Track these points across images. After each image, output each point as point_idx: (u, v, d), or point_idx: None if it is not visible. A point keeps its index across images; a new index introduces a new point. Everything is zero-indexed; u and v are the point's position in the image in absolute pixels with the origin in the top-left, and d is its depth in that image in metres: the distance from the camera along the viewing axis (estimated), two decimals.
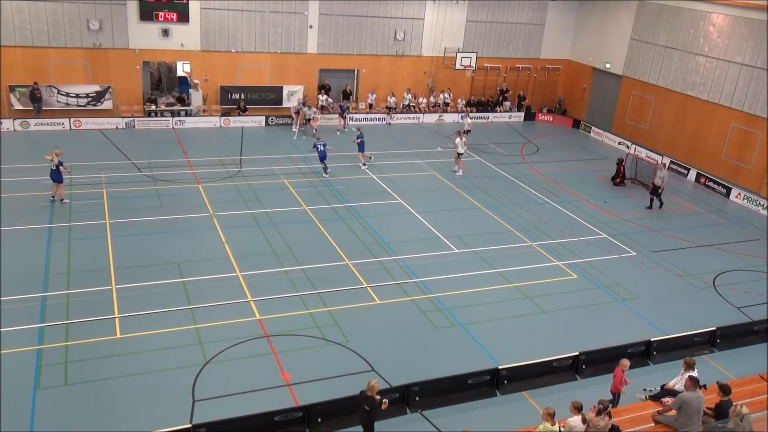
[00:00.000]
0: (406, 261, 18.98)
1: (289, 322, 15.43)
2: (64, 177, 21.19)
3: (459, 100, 37.53)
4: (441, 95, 37.02)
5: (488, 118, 37.59)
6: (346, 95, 35.23)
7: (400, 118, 35.28)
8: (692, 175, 29.69)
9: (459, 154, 27.20)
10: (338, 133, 31.81)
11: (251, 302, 16.17)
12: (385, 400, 11.39)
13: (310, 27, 33.38)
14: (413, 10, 35.04)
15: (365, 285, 17.46)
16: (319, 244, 19.73)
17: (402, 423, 12.55)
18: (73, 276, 16.74)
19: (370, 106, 35.35)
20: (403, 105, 36.13)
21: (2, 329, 14.17)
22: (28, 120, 28.90)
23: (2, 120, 28.54)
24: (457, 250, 20.00)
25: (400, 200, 23.77)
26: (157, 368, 13.45)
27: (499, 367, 13.70)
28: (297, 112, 31.55)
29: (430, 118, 36.14)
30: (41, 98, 29.22)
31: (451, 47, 36.20)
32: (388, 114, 34.63)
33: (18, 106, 29.09)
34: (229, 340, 14.55)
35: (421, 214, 22.53)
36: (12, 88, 28.86)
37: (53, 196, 21.22)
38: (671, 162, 30.65)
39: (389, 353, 14.60)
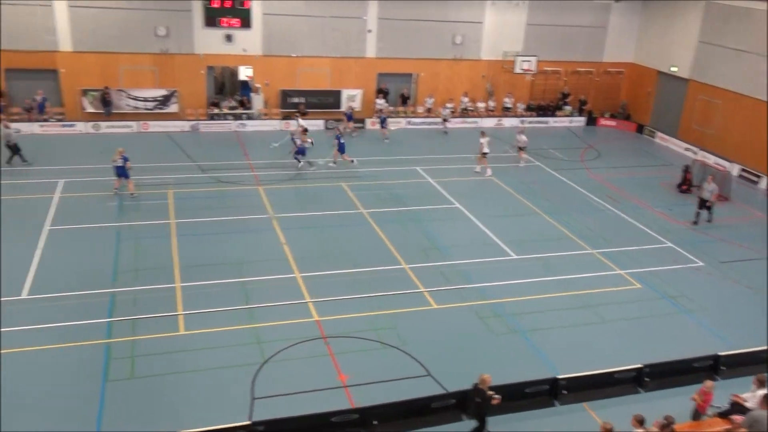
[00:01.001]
0: (463, 266, 18.87)
1: (347, 324, 15.56)
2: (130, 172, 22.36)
3: (517, 105, 37.13)
4: (505, 99, 36.67)
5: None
6: (404, 99, 35.34)
7: (457, 123, 35.09)
8: (764, 182, 28.48)
9: (484, 154, 27.21)
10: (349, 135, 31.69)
11: (309, 303, 16.38)
12: (497, 396, 11.57)
13: (369, 31, 33.63)
14: (472, 14, 34.85)
15: (422, 289, 17.45)
16: (376, 248, 19.83)
17: (458, 429, 12.47)
18: (140, 273, 17.33)
19: (429, 110, 35.31)
20: (461, 109, 35.97)
21: (76, 322, 14.79)
22: (99, 123, 30.10)
23: (76, 122, 29.83)
24: (515, 256, 19.77)
25: (458, 205, 23.65)
26: (218, 365, 13.78)
27: (559, 377, 13.45)
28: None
29: (489, 123, 35.84)
30: (111, 102, 30.40)
31: (511, 51, 35.83)
32: (443, 124, 34.37)
33: (90, 109, 30.36)
34: (287, 340, 14.77)
35: (479, 219, 22.36)
36: (85, 92, 30.15)
37: (116, 189, 22.36)
38: (741, 169, 29.49)
39: (446, 358, 14.53)
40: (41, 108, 29.71)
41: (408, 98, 35.60)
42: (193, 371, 13.54)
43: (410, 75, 35.83)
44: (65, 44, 29.61)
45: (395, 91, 35.41)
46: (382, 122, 32.26)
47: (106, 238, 19.23)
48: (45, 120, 29.57)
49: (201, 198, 22.82)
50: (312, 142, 27.79)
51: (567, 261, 19.63)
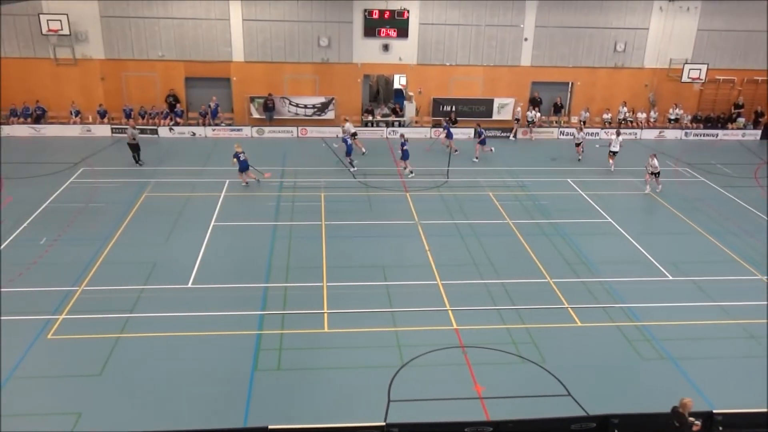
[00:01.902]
0: (612, 284, 17.96)
1: (485, 335, 15.40)
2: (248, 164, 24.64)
3: (639, 113, 34.67)
4: (669, 110, 34.45)
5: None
6: (557, 109, 34.34)
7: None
8: None
9: (613, 153, 27.60)
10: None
11: (449, 311, 16.41)
12: (697, 422, 11.19)
13: (525, 39, 33.10)
14: (637, 20, 33.13)
15: (566, 305, 16.84)
16: (520, 259, 19.44)
17: None
18: (291, 270, 18.33)
19: (583, 122, 33.91)
20: (619, 119, 34.27)
21: (233, 313, 15.98)
22: (263, 128, 32.27)
23: (243, 127, 32.23)
24: (671, 277, 18.47)
25: (610, 219, 22.55)
26: (358, 365, 14.21)
27: (714, 411, 12.36)
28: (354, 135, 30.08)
29: (650, 134, 33.83)
30: (274, 108, 32.51)
31: (678, 58, 33.62)
32: (579, 130, 32.90)
33: (256, 115, 32.68)
34: (425, 345, 14.90)
35: (633, 236, 21.16)
36: (252, 99, 32.50)
37: (246, 182, 24.61)
38: None
39: (588, 379, 13.91)
40: (214, 113, 32.45)
41: (562, 107, 34.55)
42: (334, 368, 14.08)
43: (566, 84, 34.76)
44: (238, 55, 32.15)
45: (548, 100, 34.51)
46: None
47: (262, 235, 20.56)
48: (216, 124, 32.25)
49: (351, 202, 23.69)
50: (364, 151, 28.66)
51: (730, 286, 18.00)
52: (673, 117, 34.52)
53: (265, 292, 17.10)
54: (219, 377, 13.64)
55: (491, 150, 28.82)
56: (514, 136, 32.52)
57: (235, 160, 24.34)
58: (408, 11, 32.01)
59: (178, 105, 32.44)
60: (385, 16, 31.97)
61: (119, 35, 31.34)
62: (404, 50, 32.83)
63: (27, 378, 13.38)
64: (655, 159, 24.92)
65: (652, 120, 34.69)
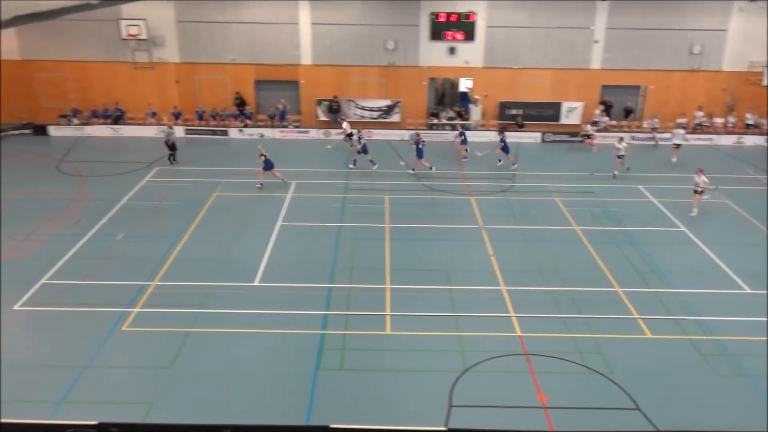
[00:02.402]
0: (685, 295, 17.31)
1: (550, 343, 15.12)
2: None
3: (677, 124, 33.10)
4: (747, 115, 33.01)
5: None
6: (628, 113, 33.41)
7: (690, 139, 32.24)
8: None
9: (619, 156, 26.84)
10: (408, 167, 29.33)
11: (513, 318, 16.20)
12: None
13: (596, 42, 32.35)
14: (715, 21, 31.90)
15: (636, 315, 16.34)
16: (587, 267, 19.00)
17: None
18: (355, 272, 18.49)
19: (654, 129, 32.72)
20: (695, 125, 33.02)
21: (297, 311, 16.24)
22: (329, 130, 32.70)
23: (310, 129, 32.76)
24: (749, 290, 17.65)
25: (683, 228, 21.76)
26: (420, 368, 14.20)
27: None
28: (349, 135, 30.16)
29: (727, 140, 32.46)
30: (338, 110, 32.92)
31: (759, 61, 32.14)
32: (653, 136, 31.84)
33: (323, 117, 33.17)
34: (488, 351, 14.75)
35: (709, 246, 20.34)
36: (319, 102, 33.00)
37: (261, 184, 24.91)
38: None
39: (657, 393, 13.45)
40: (282, 115, 33.11)
41: (632, 112, 33.58)
42: (396, 371, 14.11)
43: (637, 87, 33.78)
44: (306, 58, 32.72)
45: (619, 104, 33.61)
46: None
47: (327, 236, 20.82)
48: (284, 126, 32.89)
49: (415, 205, 23.71)
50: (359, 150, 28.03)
51: None
52: (752, 122, 32.98)
53: (328, 293, 17.32)
54: (283, 374, 13.89)
55: (431, 168, 27.32)
56: (587, 136, 31.20)
57: (262, 159, 24.78)
58: (475, 14, 31.82)
59: (247, 107, 33.26)
60: (452, 19, 31.88)
61: (193, 39, 32.40)
62: (470, 53, 32.65)
63: (103, 367, 13.99)
64: (702, 175, 22.89)
65: (729, 125, 33.27)
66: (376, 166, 27.36)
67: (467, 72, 33.51)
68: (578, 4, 31.76)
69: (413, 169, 27.19)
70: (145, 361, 14.26)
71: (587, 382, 13.81)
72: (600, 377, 13.94)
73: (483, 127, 33.46)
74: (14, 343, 15.10)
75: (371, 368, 14.19)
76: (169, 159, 27.99)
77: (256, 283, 17.74)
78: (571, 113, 33.12)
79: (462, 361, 14.42)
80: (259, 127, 32.95)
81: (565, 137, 32.26)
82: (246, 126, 32.63)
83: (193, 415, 12.29)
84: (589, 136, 28.71)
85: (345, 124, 30.33)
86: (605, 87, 33.34)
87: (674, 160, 28.83)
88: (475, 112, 33.53)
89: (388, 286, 17.68)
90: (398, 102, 33.22)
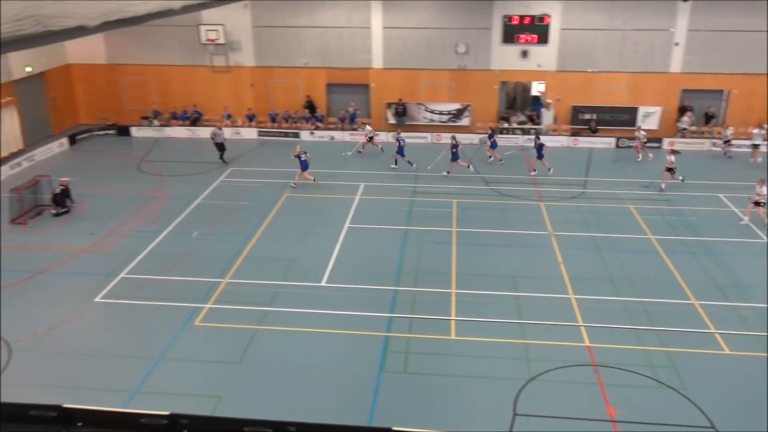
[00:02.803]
0: None
1: (620, 355, 14.67)
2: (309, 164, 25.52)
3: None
4: None
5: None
6: (709, 119, 32.01)
7: None
8: None
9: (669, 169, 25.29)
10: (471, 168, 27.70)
11: (581, 327, 15.80)
12: None
13: (676, 44, 31.18)
14: None
15: (713, 330, 15.64)
16: (662, 278, 18.33)
17: None
18: (421, 275, 18.50)
19: (726, 141, 30.88)
20: None
21: (362, 313, 16.38)
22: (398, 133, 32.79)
23: (380, 132, 32.96)
24: None
25: (767, 239, 20.70)
26: (484, 374, 14.06)
27: None
28: (371, 139, 30.34)
29: None
30: (405, 113, 33.03)
31: None
32: (724, 146, 30.21)
33: (392, 121, 33.32)
34: (555, 361, 14.46)
35: None
36: (389, 105, 33.18)
37: (295, 183, 25.34)
38: None
39: (735, 413, 12.83)
40: (352, 118, 33.47)
41: (713, 117, 32.15)
42: (460, 376, 14.02)
43: (720, 92, 32.31)
44: (377, 62, 32.97)
45: (699, 109, 32.26)
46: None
47: (394, 239, 20.90)
48: (354, 129, 33.23)
49: (482, 209, 23.49)
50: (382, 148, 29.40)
51: None
52: None
53: (394, 295, 17.38)
54: (347, 375, 14.04)
55: (468, 166, 27.17)
56: (685, 132, 30.15)
57: (295, 158, 25.28)
58: (549, 16, 31.24)
59: (318, 110, 33.80)
60: (525, 21, 31.40)
61: (268, 44, 33.22)
62: (543, 56, 32.07)
63: (175, 360, 14.53)
64: (765, 186, 21.66)
65: None
66: (414, 165, 27.65)
67: (540, 75, 32.94)
68: (658, 5, 30.68)
69: (447, 172, 27.07)
70: (216, 355, 14.72)
71: (659, 398, 13.32)
72: (673, 393, 13.42)
73: (555, 131, 32.80)
74: (94, 334, 15.91)
75: (435, 372, 14.16)
76: (223, 156, 29.04)
77: (323, 284, 18.00)
78: (648, 118, 32.00)
79: (527, 370, 14.19)
80: (330, 129, 33.43)
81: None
82: (317, 128, 33.17)
83: (259, 410, 12.58)
84: (670, 169, 26.49)
85: (368, 128, 30.63)
86: (685, 91, 32.05)
87: (755, 160, 28.13)
88: (547, 117, 32.90)
89: (453, 290, 17.59)
90: (468, 106, 33.00)
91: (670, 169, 25.21)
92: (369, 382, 13.79)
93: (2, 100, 28.52)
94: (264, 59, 33.57)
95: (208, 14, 31.63)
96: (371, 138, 30.13)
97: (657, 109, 31.95)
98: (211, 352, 14.89)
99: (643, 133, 29.42)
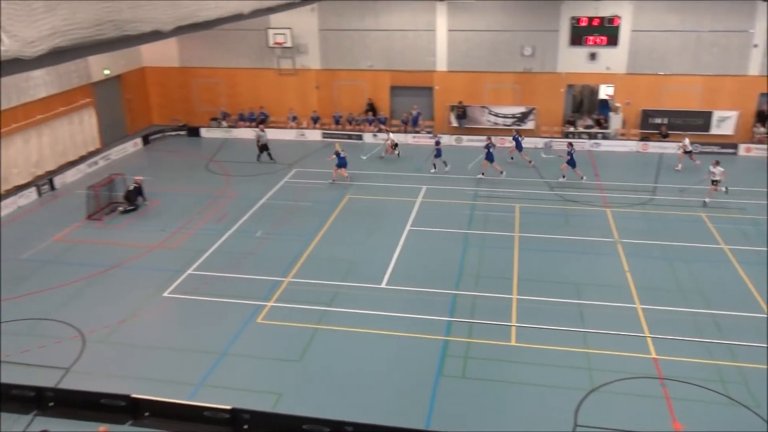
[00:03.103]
0: None
1: (688, 369, 14.14)
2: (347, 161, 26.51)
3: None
4: None
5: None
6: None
7: None
8: None
9: (714, 182, 23.73)
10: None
11: (648, 338, 15.31)
12: None
13: (755, 46, 29.81)
14: None
15: None
16: (735, 289, 17.56)
17: None
18: (481, 280, 18.34)
19: None
20: None
21: (421, 316, 16.39)
22: (461, 136, 32.64)
23: (442, 135, 32.87)
24: None
25: None
26: (544, 383, 13.81)
27: None
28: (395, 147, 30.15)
29: None
30: (465, 115, 32.83)
31: None
32: None
33: (455, 123, 33.16)
34: (619, 372, 14.06)
35: None
36: (452, 108, 33.04)
37: (334, 180, 26.37)
38: None
39: None
40: (415, 121, 33.50)
41: None
42: (520, 383, 13.82)
43: None
44: (441, 65, 32.90)
45: None
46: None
47: (455, 242, 20.79)
48: (416, 132, 33.25)
49: (546, 215, 23.08)
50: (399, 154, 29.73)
51: None
52: None
53: (453, 299, 17.30)
54: (405, 378, 14.07)
55: (502, 172, 27.17)
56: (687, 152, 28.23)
57: (334, 156, 26.30)
58: (619, 17, 30.42)
59: (380, 112, 33.99)
60: (594, 23, 30.68)
61: (334, 47, 33.63)
62: (613, 59, 31.24)
63: (238, 356, 14.90)
64: (719, 166, 21.31)
65: None
66: (448, 167, 27.81)
67: (608, 78, 32.09)
68: (735, 5, 29.41)
69: (483, 174, 27.03)
70: (277, 353, 15.00)
71: (730, 414, 12.78)
72: (745, 410, 12.85)
73: (623, 136, 31.90)
74: (162, 327, 16.50)
75: (494, 378, 14.01)
76: (265, 157, 29.74)
77: (383, 285, 18.09)
78: (723, 123, 30.73)
79: (589, 380, 13.86)
80: (393, 131, 33.54)
81: (715, 148, 29.98)
82: (380, 131, 33.35)
83: (318, 408, 12.74)
84: (715, 182, 24.86)
85: (392, 135, 30.85)
86: (763, 95, 30.61)
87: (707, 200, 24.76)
88: (615, 121, 32.02)
89: (515, 296, 17.37)
90: (533, 109, 32.50)
91: (715, 182, 23.91)
92: (427, 385, 13.76)
93: (82, 102, 29.93)
94: (329, 62, 34.01)
95: (276, 18, 32.25)
96: (395, 145, 30.22)
97: (733, 114, 30.64)
98: (272, 349, 15.18)
99: (687, 141, 27.99)
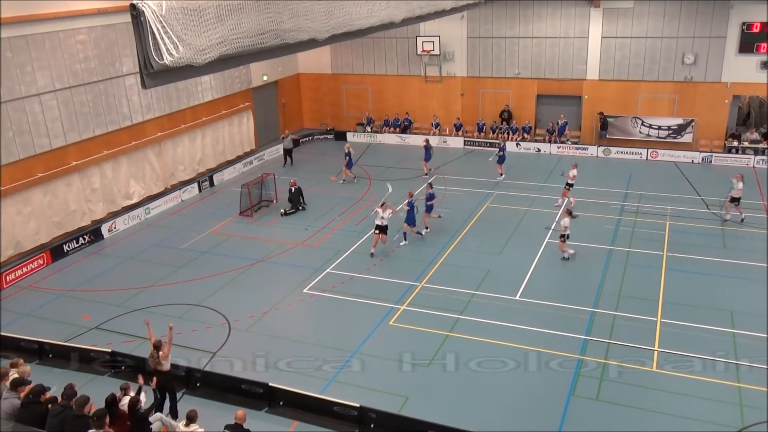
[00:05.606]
0: None
1: None
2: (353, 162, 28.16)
3: None
4: None
5: None
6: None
7: None
8: None
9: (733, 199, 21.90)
10: None
11: None
12: None
13: None
14: None
15: None
16: None
17: None
18: (623, 299, 17.42)
19: None
20: None
21: (556, 332, 15.90)
22: (610, 147, 31.20)
23: (588, 146, 31.66)
24: None
25: None
26: (688, 415, 12.87)
27: None
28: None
29: None
30: (606, 126, 31.33)
31: None
32: None
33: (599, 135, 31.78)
34: None
35: None
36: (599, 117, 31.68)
37: (344, 179, 28.09)
38: None
39: None
40: (561, 131, 32.51)
41: None
42: (659, 413, 12.98)
43: None
44: (592, 73, 31.69)
45: None
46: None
47: (597, 258, 19.94)
48: (562, 142, 32.26)
49: (700, 234, 21.47)
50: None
51: None
52: None
53: (591, 317, 16.60)
54: (535, 394, 13.71)
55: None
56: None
57: (346, 156, 27.68)
58: None
59: (513, 120, 33.36)
60: None
61: (481, 54, 33.51)
62: None
63: (369, 356, 15.28)
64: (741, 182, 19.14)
65: None
66: (503, 176, 27.98)
67: None
68: None
69: (501, 174, 27.91)
70: (407, 356, 15.20)
71: None
72: None
73: None
74: (300, 321, 17.33)
75: (630, 405, 13.27)
76: (288, 162, 31.35)
77: (517, 297, 17.76)
78: None
79: (740, 417, 12.73)
80: (537, 141, 32.81)
81: None
82: (523, 140, 32.74)
83: (443, 416, 12.72)
84: (735, 199, 22.08)
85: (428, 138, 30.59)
86: None
87: (727, 217, 22.57)
88: None
89: (659, 319, 16.33)
90: (692, 121, 30.34)
91: (735, 199, 21.65)
92: (558, 404, 13.33)
93: (242, 105, 32.20)
94: (475, 69, 33.94)
95: (425, 26, 32.75)
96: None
97: None
98: (402, 352, 15.40)
99: (741, 185, 22.07)
